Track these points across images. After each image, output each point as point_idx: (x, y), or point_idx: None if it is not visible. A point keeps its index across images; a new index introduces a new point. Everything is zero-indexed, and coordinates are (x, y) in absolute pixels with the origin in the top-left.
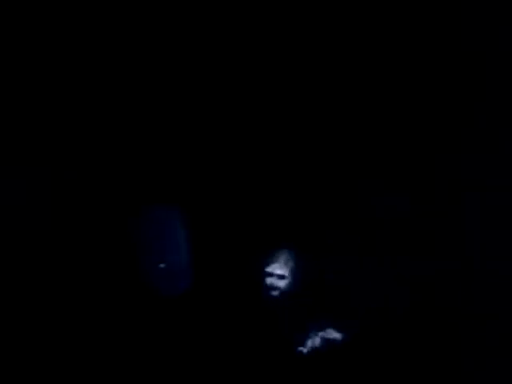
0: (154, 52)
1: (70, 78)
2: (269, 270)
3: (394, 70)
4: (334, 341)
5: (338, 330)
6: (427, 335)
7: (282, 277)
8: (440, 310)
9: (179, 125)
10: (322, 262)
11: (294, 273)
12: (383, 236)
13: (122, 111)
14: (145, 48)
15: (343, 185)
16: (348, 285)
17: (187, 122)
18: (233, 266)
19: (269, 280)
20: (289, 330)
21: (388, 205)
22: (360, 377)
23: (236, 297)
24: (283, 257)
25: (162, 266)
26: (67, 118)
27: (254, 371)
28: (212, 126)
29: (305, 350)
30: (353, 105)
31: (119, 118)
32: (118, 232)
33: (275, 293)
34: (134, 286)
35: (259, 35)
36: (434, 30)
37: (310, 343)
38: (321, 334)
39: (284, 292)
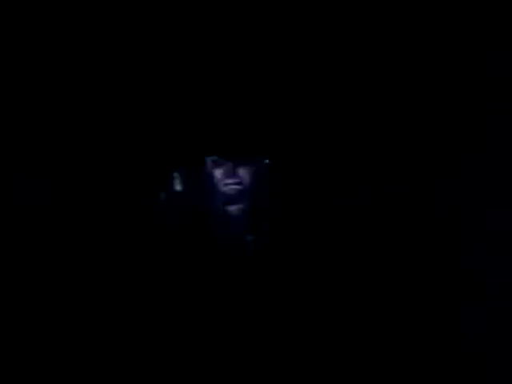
0: (155, 52)
1: (72, 78)
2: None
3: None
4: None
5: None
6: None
7: (238, 183)
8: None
9: (179, 126)
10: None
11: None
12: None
13: (125, 110)
14: (145, 48)
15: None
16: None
17: (187, 123)
18: None
19: (230, 190)
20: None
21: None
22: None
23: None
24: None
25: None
26: (73, 119)
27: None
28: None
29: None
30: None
31: (122, 117)
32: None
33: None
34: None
35: (259, 35)
36: (433, 30)
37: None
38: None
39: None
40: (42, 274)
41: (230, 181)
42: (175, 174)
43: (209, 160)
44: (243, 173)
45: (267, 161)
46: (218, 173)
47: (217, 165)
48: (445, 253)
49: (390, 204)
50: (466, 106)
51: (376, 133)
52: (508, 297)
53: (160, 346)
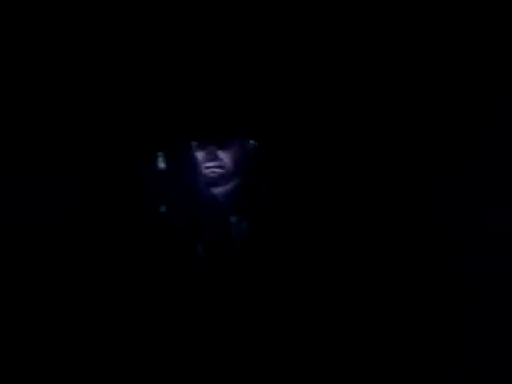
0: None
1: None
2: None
3: None
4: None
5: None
6: None
7: (219, 166)
8: None
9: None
10: None
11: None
12: None
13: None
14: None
15: None
16: None
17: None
18: None
19: (211, 173)
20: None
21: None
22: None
23: None
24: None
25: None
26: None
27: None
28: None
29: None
30: None
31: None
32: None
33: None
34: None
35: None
36: (433, 29)
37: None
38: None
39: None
40: (41, 262)
41: (211, 164)
42: (159, 153)
43: (192, 142)
44: (226, 155)
45: (253, 141)
46: (199, 155)
47: (200, 147)
48: (445, 253)
49: (389, 203)
50: (466, 106)
51: (375, 132)
52: (508, 297)
53: (150, 331)
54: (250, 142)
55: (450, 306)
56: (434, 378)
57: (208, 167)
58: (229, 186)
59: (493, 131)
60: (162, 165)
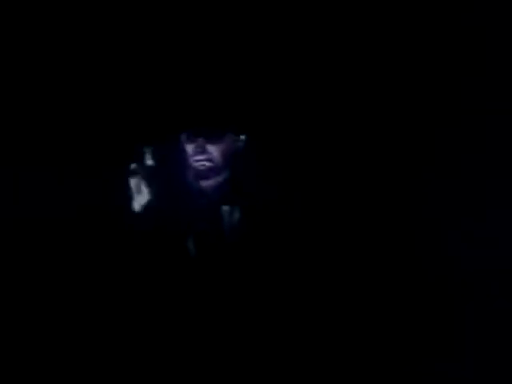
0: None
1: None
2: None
3: None
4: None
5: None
6: None
7: (208, 160)
8: None
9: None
10: None
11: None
12: None
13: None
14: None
15: None
16: None
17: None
18: None
19: (200, 166)
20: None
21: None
22: None
23: None
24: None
25: None
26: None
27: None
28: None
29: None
30: None
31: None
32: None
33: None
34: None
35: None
36: (433, 30)
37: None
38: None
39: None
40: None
41: (200, 157)
42: (147, 149)
43: (182, 135)
44: (215, 149)
45: (243, 136)
46: (189, 148)
47: (189, 140)
48: (445, 253)
49: (388, 203)
50: (466, 105)
51: (374, 131)
52: (508, 297)
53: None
54: (240, 136)
55: (451, 306)
56: (434, 378)
57: (197, 160)
58: (218, 179)
59: (493, 131)
60: (149, 159)
